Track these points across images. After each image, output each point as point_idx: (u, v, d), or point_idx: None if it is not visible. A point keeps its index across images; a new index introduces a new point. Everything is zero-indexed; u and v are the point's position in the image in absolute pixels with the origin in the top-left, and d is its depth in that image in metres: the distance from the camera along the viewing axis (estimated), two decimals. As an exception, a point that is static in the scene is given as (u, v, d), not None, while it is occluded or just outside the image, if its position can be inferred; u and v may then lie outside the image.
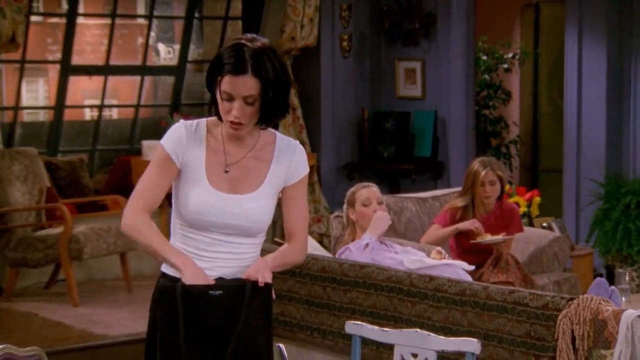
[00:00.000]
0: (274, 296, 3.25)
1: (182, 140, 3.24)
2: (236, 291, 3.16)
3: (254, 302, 3.16)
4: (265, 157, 3.30)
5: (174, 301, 3.13)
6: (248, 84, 3.14)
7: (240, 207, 3.24)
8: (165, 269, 3.31)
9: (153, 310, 3.28)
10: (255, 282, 3.18)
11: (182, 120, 3.32)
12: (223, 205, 3.23)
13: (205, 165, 3.25)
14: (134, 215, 3.22)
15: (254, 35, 3.24)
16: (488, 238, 6.01)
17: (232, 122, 3.18)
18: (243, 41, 3.18)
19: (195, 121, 3.30)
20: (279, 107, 3.23)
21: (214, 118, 3.30)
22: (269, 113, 3.21)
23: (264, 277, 3.19)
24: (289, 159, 3.32)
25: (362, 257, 5.25)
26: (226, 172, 3.26)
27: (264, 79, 3.14)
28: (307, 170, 3.38)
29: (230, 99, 3.16)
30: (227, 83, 3.15)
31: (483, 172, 6.15)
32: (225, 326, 3.15)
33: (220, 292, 3.16)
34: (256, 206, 3.26)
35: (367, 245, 5.35)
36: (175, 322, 3.14)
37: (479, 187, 6.16)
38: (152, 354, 3.26)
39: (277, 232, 8.44)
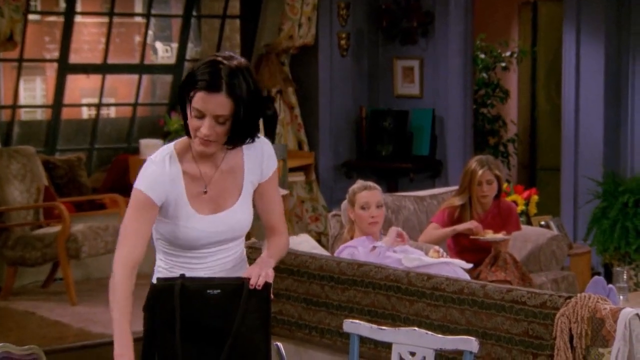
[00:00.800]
0: (272, 296, 3.26)
1: (161, 179, 3.18)
2: (234, 290, 3.16)
3: (251, 301, 3.16)
4: (236, 164, 3.28)
5: (172, 300, 3.13)
6: (221, 103, 3.07)
7: (228, 222, 3.26)
8: (158, 274, 3.31)
9: (147, 311, 3.29)
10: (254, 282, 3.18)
11: (148, 159, 3.23)
12: (213, 227, 3.24)
13: (187, 194, 3.21)
14: (116, 270, 3.22)
15: (231, 53, 3.17)
16: (489, 236, 6.00)
17: (201, 139, 3.12)
18: (220, 58, 3.11)
19: (164, 153, 3.22)
20: (249, 129, 3.16)
21: (181, 141, 3.24)
22: (238, 134, 3.14)
23: (268, 275, 3.19)
24: (259, 157, 3.30)
25: (367, 258, 5.25)
26: (205, 192, 3.23)
27: (237, 99, 3.07)
28: (276, 163, 3.36)
29: (201, 116, 3.09)
30: (199, 99, 3.08)
31: (480, 172, 6.15)
32: (223, 325, 3.15)
33: (219, 291, 3.16)
34: (240, 215, 3.28)
35: (374, 248, 5.34)
36: (173, 321, 3.14)
37: (476, 186, 6.16)
38: (150, 355, 3.26)
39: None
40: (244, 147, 3.27)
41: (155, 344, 3.20)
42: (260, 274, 3.18)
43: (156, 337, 3.20)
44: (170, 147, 3.25)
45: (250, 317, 3.17)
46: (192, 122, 3.12)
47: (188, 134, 3.18)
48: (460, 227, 6.11)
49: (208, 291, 3.15)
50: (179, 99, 3.18)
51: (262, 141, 3.31)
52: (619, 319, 4.05)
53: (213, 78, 3.07)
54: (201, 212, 3.22)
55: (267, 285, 3.19)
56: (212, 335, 3.16)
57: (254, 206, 3.37)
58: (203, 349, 3.17)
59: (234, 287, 3.17)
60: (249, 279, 3.18)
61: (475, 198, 6.19)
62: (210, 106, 3.08)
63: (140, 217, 3.18)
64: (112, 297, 3.22)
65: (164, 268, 3.31)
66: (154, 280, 3.32)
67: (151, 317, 3.26)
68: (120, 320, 3.18)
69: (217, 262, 3.28)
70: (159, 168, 3.19)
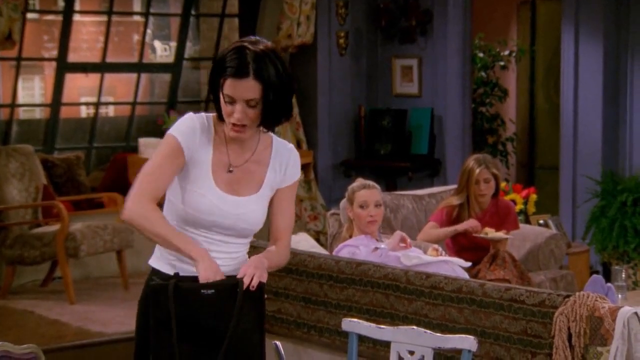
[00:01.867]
0: (265, 295, 3.25)
1: (196, 134, 3.22)
2: (228, 290, 3.16)
3: (246, 301, 3.16)
4: (263, 160, 3.30)
5: (167, 300, 3.13)
6: (250, 87, 3.12)
7: (240, 209, 3.25)
8: (155, 264, 3.29)
9: (141, 310, 3.28)
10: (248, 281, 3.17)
11: (191, 113, 3.28)
12: (225, 206, 3.23)
13: (212, 163, 3.24)
14: (140, 203, 3.16)
15: (257, 38, 3.22)
16: (490, 234, 6.00)
17: (234, 125, 3.17)
18: (245, 44, 3.16)
19: (204, 115, 3.28)
20: (281, 110, 3.20)
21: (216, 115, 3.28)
22: (271, 116, 3.19)
23: (261, 276, 3.19)
24: (284, 162, 3.33)
25: (369, 259, 5.25)
26: (230, 171, 3.25)
27: (265, 82, 3.12)
28: (299, 174, 3.39)
29: (233, 101, 3.15)
30: (229, 86, 3.13)
31: (477, 170, 6.15)
32: (218, 325, 3.15)
33: (212, 291, 3.15)
34: (255, 209, 3.28)
35: (376, 249, 5.34)
36: (168, 321, 3.13)
37: (473, 185, 6.17)
38: (142, 354, 3.26)
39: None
40: (274, 146, 3.31)
41: (149, 343, 3.19)
42: (255, 273, 3.17)
43: (151, 337, 3.18)
44: (210, 114, 3.29)
45: (245, 317, 3.17)
46: (225, 108, 3.17)
47: (222, 119, 3.22)
48: (460, 226, 6.11)
49: (202, 291, 3.14)
50: (210, 87, 3.22)
51: (292, 149, 3.36)
52: (617, 317, 4.05)
53: (240, 64, 3.12)
54: (219, 186, 3.23)
55: (261, 285, 3.19)
56: (206, 335, 3.16)
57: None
58: (198, 349, 3.16)
59: (228, 287, 3.16)
60: (243, 278, 3.17)
61: (473, 197, 6.19)
62: (240, 91, 3.13)
63: (167, 162, 3.20)
64: (150, 224, 3.15)
65: (165, 251, 3.28)
66: (153, 264, 3.29)
67: (145, 315, 3.24)
68: (178, 233, 3.17)
69: (220, 256, 3.25)
70: (197, 122, 3.24)
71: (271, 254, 3.32)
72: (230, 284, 3.16)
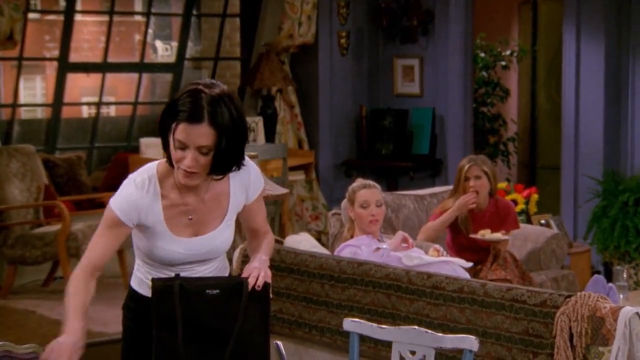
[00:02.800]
0: (270, 295, 3.25)
1: (136, 205, 3.14)
2: (233, 290, 3.16)
3: (251, 301, 3.16)
4: (222, 191, 3.23)
5: (171, 300, 3.12)
6: (204, 133, 2.99)
7: (206, 246, 3.25)
8: (134, 285, 3.31)
9: (127, 314, 3.29)
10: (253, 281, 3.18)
11: (130, 177, 3.19)
12: (191, 249, 3.23)
13: (165, 219, 3.17)
14: (76, 272, 3.14)
15: (213, 81, 3.10)
16: (487, 235, 6.00)
17: (184, 171, 3.06)
18: (200, 87, 3.04)
19: (145, 176, 3.17)
20: (233, 158, 3.08)
21: (164, 163, 3.17)
22: (222, 164, 3.07)
23: (266, 275, 3.19)
24: (245, 182, 3.26)
25: (370, 259, 5.25)
26: (190, 219, 3.21)
27: (220, 129, 2.99)
28: (262, 184, 3.32)
29: (184, 147, 3.02)
30: (181, 131, 3.01)
31: (467, 167, 6.16)
32: (223, 325, 3.15)
33: (217, 291, 3.15)
34: (223, 238, 3.27)
35: (378, 249, 5.34)
36: (172, 322, 3.13)
37: (463, 183, 6.17)
38: (130, 353, 3.26)
39: (274, 229, 8.44)
40: (230, 176, 3.22)
41: (154, 345, 3.19)
42: (260, 274, 3.18)
43: (154, 338, 3.18)
44: (152, 168, 3.18)
45: (250, 316, 3.17)
46: (175, 154, 3.05)
47: (171, 164, 3.11)
48: (455, 207, 6.06)
49: (207, 291, 3.14)
50: (160, 130, 3.09)
51: (248, 166, 3.23)
52: (619, 317, 4.05)
53: (194, 108, 2.99)
54: (180, 235, 3.19)
55: (266, 285, 3.19)
56: (211, 335, 3.16)
57: (238, 218, 3.36)
58: (203, 349, 3.16)
59: (233, 287, 3.16)
60: (248, 278, 3.17)
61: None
62: (193, 137, 3.00)
63: (107, 233, 3.17)
64: (66, 291, 3.13)
65: (142, 273, 3.30)
66: (132, 283, 3.31)
67: (132, 320, 3.25)
68: (71, 311, 3.11)
69: (199, 274, 3.28)
70: (137, 191, 3.15)
71: (266, 249, 3.35)
72: (236, 284, 3.16)
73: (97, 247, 3.16)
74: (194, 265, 3.27)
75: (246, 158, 3.19)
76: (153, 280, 3.21)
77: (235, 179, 3.23)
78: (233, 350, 3.13)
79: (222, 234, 3.25)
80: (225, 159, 3.05)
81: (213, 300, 3.14)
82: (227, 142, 3.01)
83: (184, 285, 3.14)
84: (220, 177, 3.14)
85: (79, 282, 3.11)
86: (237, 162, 3.11)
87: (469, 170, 6.14)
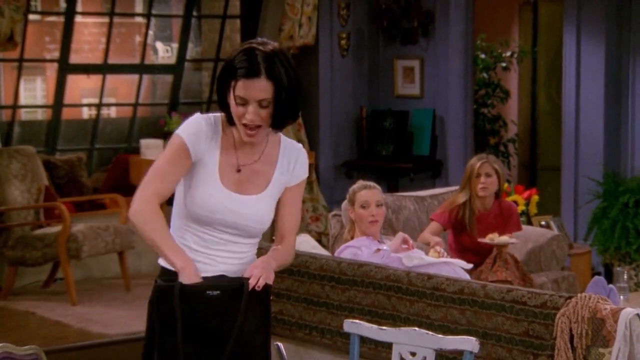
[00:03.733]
0: (271, 296, 3.25)
1: (202, 136, 3.22)
2: (234, 291, 3.16)
3: (251, 302, 3.16)
4: (271, 159, 3.31)
5: (172, 302, 3.12)
6: (262, 87, 3.13)
7: (247, 208, 3.25)
8: (163, 263, 3.29)
9: (150, 311, 3.28)
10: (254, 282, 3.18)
11: (198, 114, 3.28)
12: (232, 204, 3.23)
13: (219, 164, 3.24)
14: (143, 202, 3.17)
15: (265, 39, 3.23)
16: (496, 240, 5.99)
17: (246, 127, 3.17)
18: (254, 45, 3.17)
19: (212, 116, 3.27)
20: (291, 110, 3.21)
21: (224, 115, 3.26)
22: (282, 116, 3.20)
23: (267, 277, 3.19)
24: (292, 161, 3.33)
25: (371, 260, 5.25)
26: (238, 171, 3.26)
27: (277, 82, 3.13)
28: (307, 174, 3.39)
29: (245, 103, 3.15)
30: (240, 87, 3.13)
31: (478, 164, 6.17)
32: (223, 326, 3.15)
33: (218, 292, 3.15)
34: (262, 207, 3.28)
35: (378, 250, 5.34)
36: (173, 323, 3.13)
37: (474, 179, 6.17)
38: (150, 356, 3.26)
39: (274, 231, 8.43)
40: (282, 145, 3.32)
41: (155, 345, 3.19)
42: (261, 275, 3.18)
43: (156, 337, 3.18)
44: (218, 115, 3.29)
45: (250, 317, 3.17)
46: (237, 110, 3.16)
47: (232, 123, 3.22)
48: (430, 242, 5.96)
49: (207, 292, 3.14)
50: (218, 91, 3.22)
51: (300, 148, 3.37)
52: (619, 319, 4.05)
53: (251, 64, 3.13)
54: (226, 186, 3.23)
55: (266, 286, 3.19)
56: (212, 336, 3.16)
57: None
58: (203, 349, 3.16)
59: (234, 288, 3.16)
60: (249, 279, 3.17)
61: (474, 193, 6.17)
62: (252, 92, 3.13)
63: (173, 163, 3.20)
64: (145, 224, 3.15)
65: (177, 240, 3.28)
66: (161, 263, 3.29)
67: (151, 320, 3.24)
68: (167, 239, 3.16)
69: (226, 255, 3.26)
70: (205, 125, 3.24)
71: (277, 254, 3.32)
72: (236, 285, 3.16)
73: (167, 177, 3.20)
74: (229, 233, 3.24)
75: (300, 146, 3.37)
76: (155, 281, 3.22)
77: (285, 153, 3.32)
78: (233, 351, 3.13)
79: (263, 203, 3.28)
80: (284, 110, 3.18)
81: (213, 301, 3.14)
82: (285, 94, 3.15)
83: (185, 285, 3.14)
84: (279, 129, 3.25)
85: (160, 217, 3.17)
86: (293, 115, 3.24)
87: (481, 167, 6.15)
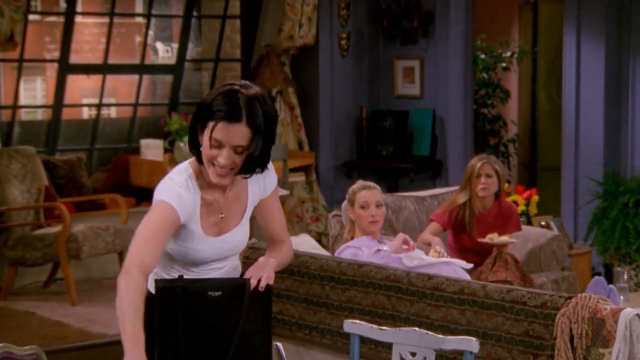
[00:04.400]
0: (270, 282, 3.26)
1: (187, 202, 3.14)
2: (235, 292, 3.16)
3: (252, 302, 3.16)
4: (241, 188, 3.28)
5: (174, 302, 3.12)
6: (241, 133, 3.04)
7: (230, 243, 3.28)
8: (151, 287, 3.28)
9: (146, 314, 3.27)
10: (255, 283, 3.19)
11: (169, 178, 3.17)
12: (218, 247, 3.25)
13: (200, 219, 3.20)
14: (128, 275, 2.97)
15: (247, 82, 3.15)
16: (496, 239, 5.99)
17: (218, 171, 3.10)
18: (236, 87, 3.09)
19: (185, 176, 3.17)
20: (264, 158, 3.15)
21: (194, 163, 3.20)
22: (254, 164, 3.13)
23: (269, 277, 3.20)
24: (260, 177, 3.29)
25: (371, 260, 5.25)
26: (222, 217, 3.24)
27: (256, 129, 3.05)
28: (276, 178, 3.37)
29: (219, 146, 3.07)
30: (219, 130, 3.05)
31: (479, 164, 6.17)
32: (224, 327, 3.15)
33: (220, 293, 3.15)
34: (241, 236, 3.30)
35: (378, 251, 5.34)
36: (174, 324, 3.13)
37: (475, 179, 6.17)
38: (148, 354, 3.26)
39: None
40: None
41: (156, 345, 3.19)
42: (262, 275, 3.18)
43: (157, 339, 3.17)
44: (188, 169, 3.20)
45: (252, 318, 3.17)
46: (209, 152, 3.09)
47: (200, 162, 3.15)
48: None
49: (209, 293, 3.15)
50: (191, 130, 3.14)
51: None
52: (619, 319, 4.05)
53: (232, 108, 3.05)
54: (208, 235, 3.22)
55: (268, 286, 3.19)
56: (213, 337, 3.16)
57: (256, 219, 3.39)
58: (205, 350, 3.16)
59: (235, 289, 3.17)
60: (250, 279, 3.18)
61: (474, 193, 6.18)
62: (230, 137, 3.05)
63: (164, 230, 3.10)
64: (126, 294, 2.94)
65: (153, 273, 3.27)
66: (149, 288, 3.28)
67: (150, 321, 3.24)
68: (136, 318, 2.91)
69: (215, 274, 3.30)
70: (185, 192, 3.15)
71: (277, 254, 3.35)
72: (237, 286, 3.17)
73: (154, 245, 3.06)
74: (214, 263, 3.28)
75: None
76: (156, 281, 3.21)
77: (252, 177, 3.28)
78: (235, 352, 3.13)
79: (242, 230, 3.29)
80: (256, 159, 3.12)
81: (215, 302, 3.14)
82: (260, 142, 3.08)
83: (186, 287, 3.14)
84: (248, 176, 3.19)
85: (142, 289, 2.97)
86: (265, 163, 3.18)
87: (482, 167, 6.15)
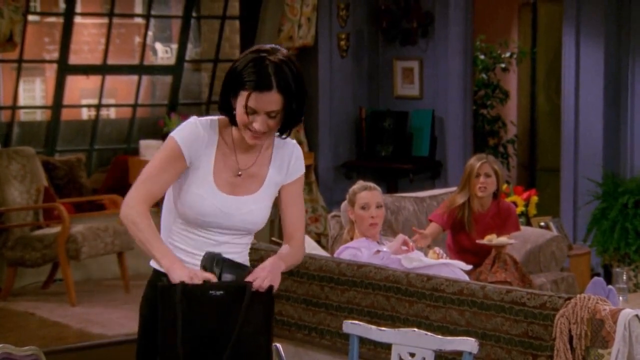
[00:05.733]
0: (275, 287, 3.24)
1: (197, 140, 3.21)
2: (237, 292, 3.15)
3: (254, 303, 3.15)
4: (266, 159, 3.30)
5: (174, 301, 3.12)
6: (273, 100, 3.12)
7: (242, 209, 3.25)
8: (154, 264, 3.28)
9: (144, 310, 3.27)
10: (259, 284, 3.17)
11: (193, 118, 3.27)
12: (226, 207, 3.23)
13: (214, 166, 3.23)
14: (133, 207, 3.16)
15: (274, 46, 3.20)
16: (494, 241, 5.99)
17: (253, 134, 3.17)
18: (263, 54, 3.14)
19: (208, 119, 3.26)
20: (298, 117, 3.22)
21: (224, 118, 3.26)
22: (289, 124, 3.21)
23: (274, 280, 3.17)
24: (287, 158, 3.32)
25: (371, 261, 5.25)
26: (239, 175, 3.26)
27: (288, 94, 3.13)
28: (304, 169, 3.38)
29: (254, 112, 3.14)
30: (251, 99, 3.12)
31: (478, 164, 6.17)
32: (224, 327, 3.14)
33: (221, 292, 3.15)
34: (256, 208, 3.28)
35: (378, 252, 5.34)
36: (175, 322, 3.12)
37: (474, 179, 6.17)
38: (145, 355, 3.25)
39: (274, 231, 8.44)
40: (275, 144, 3.31)
41: (153, 346, 3.18)
42: (267, 277, 3.16)
43: (159, 338, 3.17)
44: (215, 117, 3.27)
45: (252, 319, 3.16)
46: (243, 117, 3.15)
47: (233, 123, 3.21)
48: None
49: (210, 292, 3.14)
50: (223, 95, 3.20)
51: (294, 145, 3.36)
52: (618, 320, 4.05)
53: (261, 76, 3.11)
54: (220, 189, 3.23)
55: (270, 288, 3.18)
56: (213, 336, 3.16)
57: (277, 209, 3.38)
58: (204, 350, 3.16)
59: (237, 289, 3.16)
60: (252, 282, 3.16)
61: (473, 193, 6.18)
62: (263, 104, 3.12)
63: (167, 166, 3.20)
64: (136, 227, 3.14)
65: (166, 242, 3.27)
66: (152, 264, 3.27)
67: (145, 319, 3.23)
68: (156, 240, 3.13)
69: (224, 248, 3.25)
70: (201, 128, 3.23)
71: (285, 255, 3.31)
72: (239, 286, 3.16)
73: (159, 180, 3.19)
74: (222, 234, 3.25)
75: (294, 142, 3.36)
76: (150, 278, 3.22)
77: (278, 152, 3.31)
78: (234, 351, 3.13)
79: (257, 203, 3.27)
80: (291, 119, 3.19)
81: (216, 301, 3.13)
82: (295, 104, 3.15)
83: (188, 285, 3.13)
84: (285, 136, 3.27)
85: (149, 219, 3.15)
86: (300, 120, 3.25)
87: (481, 167, 6.15)
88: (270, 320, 3.23)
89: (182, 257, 3.22)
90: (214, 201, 3.22)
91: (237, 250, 3.30)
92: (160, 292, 3.16)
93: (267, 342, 3.24)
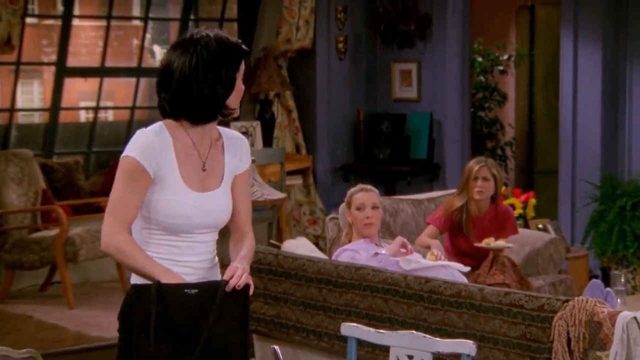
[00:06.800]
0: (251, 291, 3.24)
1: (154, 148, 3.18)
2: (212, 290, 3.16)
3: (228, 301, 3.16)
4: (219, 149, 3.33)
5: (148, 298, 3.12)
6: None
7: (214, 204, 3.27)
8: (134, 279, 3.28)
9: (122, 317, 3.26)
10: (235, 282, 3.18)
11: (140, 130, 3.23)
12: (201, 204, 3.24)
13: (179, 169, 3.22)
14: (113, 235, 3.15)
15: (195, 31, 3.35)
16: (492, 244, 5.99)
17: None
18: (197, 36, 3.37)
19: (155, 126, 3.24)
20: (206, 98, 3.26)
21: (168, 120, 3.25)
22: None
23: (248, 277, 3.21)
24: (238, 148, 3.36)
25: (369, 263, 5.25)
26: (204, 170, 3.26)
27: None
28: (250, 163, 3.42)
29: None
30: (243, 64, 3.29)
31: (477, 167, 6.17)
32: (199, 325, 3.14)
33: (196, 290, 3.16)
34: (224, 199, 3.30)
35: (376, 254, 5.35)
36: (149, 321, 3.12)
37: (472, 182, 6.17)
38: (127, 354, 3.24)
39: (271, 234, 8.44)
40: (223, 133, 3.34)
41: (132, 348, 3.17)
42: (243, 274, 3.18)
43: (134, 338, 3.16)
44: (159, 123, 3.26)
45: (226, 317, 3.17)
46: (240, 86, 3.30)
47: (199, 119, 3.25)
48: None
49: (185, 291, 3.15)
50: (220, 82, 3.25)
51: (242, 136, 3.40)
52: (616, 322, 4.05)
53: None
54: (192, 188, 3.23)
55: (246, 288, 3.20)
56: (187, 334, 3.15)
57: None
58: (178, 348, 3.15)
59: (212, 287, 3.17)
60: (226, 280, 3.17)
61: (470, 196, 6.18)
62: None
63: (132, 186, 3.16)
64: (127, 255, 3.15)
65: None
66: (132, 280, 3.28)
67: (128, 322, 3.23)
68: (145, 260, 3.15)
69: (203, 258, 3.28)
70: (150, 136, 3.20)
71: (246, 256, 3.33)
72: (214, 284, 3.18)
73: (130, 204, 3.16)
74: (200, 233, 3.25)
75: (240, 134, 3.41)
76: (128, 292, 3.21)
77: (229, 142, 3.34)
78: (206, 350, 3.13)
79: (225, 194, 3.29)
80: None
81: (191, 299, 3.14)
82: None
83: (163, 284, 3.13)
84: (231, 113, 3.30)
85: (135, 244, 3.17)
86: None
87: (479, 170, 6.15)
88: (246, 318, 3.23)
89: (169, 267, 3.22)
90: (189, 202, 3.22)
91: (211, 249, 3.33)
92: (135, 292, 3.15)
93: (242, 340, 3.23)
